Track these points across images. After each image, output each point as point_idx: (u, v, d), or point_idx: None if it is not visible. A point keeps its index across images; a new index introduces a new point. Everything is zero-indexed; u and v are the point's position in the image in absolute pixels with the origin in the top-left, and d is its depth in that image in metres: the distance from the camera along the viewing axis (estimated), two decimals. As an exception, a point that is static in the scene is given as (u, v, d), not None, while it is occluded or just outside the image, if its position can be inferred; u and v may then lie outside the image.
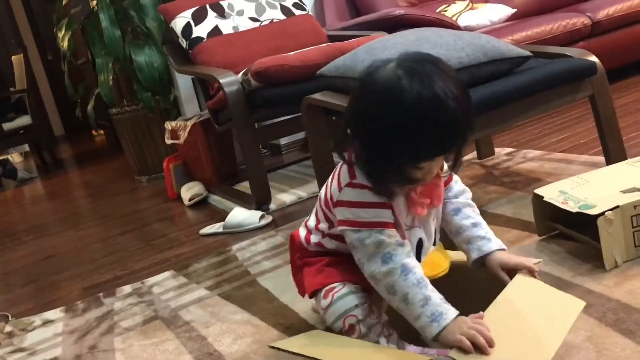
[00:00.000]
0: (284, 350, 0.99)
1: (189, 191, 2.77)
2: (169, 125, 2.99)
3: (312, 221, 1.16)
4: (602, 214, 1.27)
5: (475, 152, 2.38)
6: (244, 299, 1.58)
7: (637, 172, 1.44)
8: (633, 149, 2.02)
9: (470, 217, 1.11)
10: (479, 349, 0.85)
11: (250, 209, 2.29)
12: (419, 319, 0.91)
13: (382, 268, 0.95)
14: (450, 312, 0.91)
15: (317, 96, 1.88)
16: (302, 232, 1.18)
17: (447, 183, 1.12)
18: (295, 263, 1.20)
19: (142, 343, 1.45)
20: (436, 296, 0.93)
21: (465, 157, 2.42)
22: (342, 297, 1.02)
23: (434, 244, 1.11)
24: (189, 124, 2.83)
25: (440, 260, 1.09)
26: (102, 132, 5.95)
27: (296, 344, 1.02)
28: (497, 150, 2.39)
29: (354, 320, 1.00)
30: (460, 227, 1.08)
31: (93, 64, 4.20)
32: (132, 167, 3.67)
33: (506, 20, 3.20)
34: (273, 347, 1.00)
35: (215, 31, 2.67)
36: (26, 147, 5.59)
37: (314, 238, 1.14)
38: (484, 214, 1.74)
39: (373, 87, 0.91)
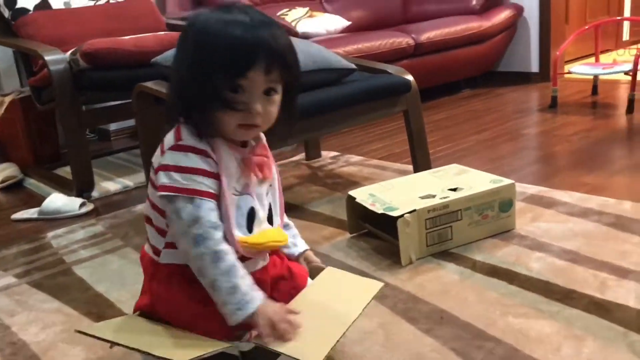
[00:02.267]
0: (89, 335, 0.98)
1: (1, 173, 2.56)
2: (-18, 99, 2.73)
3: (151, 234, 1.03)
4: (402, 215, 1.43)
5: (304, 154, 2.51)
6: (56, 287, 1.52)
7: (435, 181, 1.64)
8: (438, 160, 2.27)
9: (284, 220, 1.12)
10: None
11: (70, 195, 2.19)
12: (224, 306, 0.92)
13: (194, 250, 0.91)
14: (255, 299, 0.93)
15: (150, 84, 1.86)
16: (148, 249, 1.05)
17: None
18: (147, 288, 1.04)
19: None
20: (245, 283, 0.93)
21: (294, 158, 2.54)
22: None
23: (271, 224, 1.05)
24: (7, 100, 2.62)
25: (280, 233, 1.07)
26: None
27: (102, 329, 1.00)
28: (323, 153, 2.54)
29: None
30: None
31: None
32: None
33: (341, 32, 3.40)
34: (79, 332, 0.98)
35: (44, 4, 2.51)
36: None
37: (160, 244, 1.00)
38: (305, 211, 1.88)
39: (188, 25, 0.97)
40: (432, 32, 3.36)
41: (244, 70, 0.91)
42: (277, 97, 0.97)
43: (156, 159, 0.97)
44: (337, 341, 0.93)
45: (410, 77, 1.98)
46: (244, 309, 0.91)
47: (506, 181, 1.57)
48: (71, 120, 2.19)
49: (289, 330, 0.93)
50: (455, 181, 1.61)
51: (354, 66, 1.90)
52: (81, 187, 2.25)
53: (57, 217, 2.06)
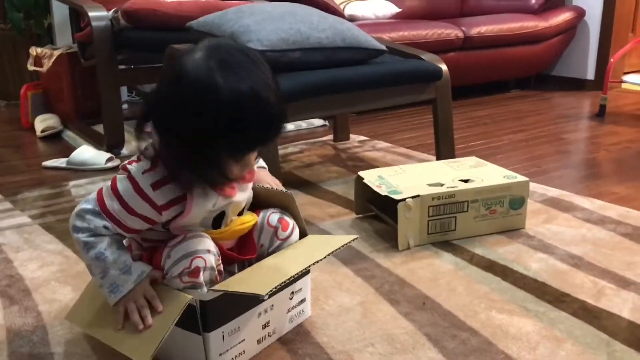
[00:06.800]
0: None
1: (43, 122, 2.66)
2: (34, 50, 2.84)
3: None
4: (404, 200, 1.40)
5: (332, 135, 2.50)
6: (64, 231, 1.57)
7: (449, 170, 1.60)
8: (468, 155, 2.20)
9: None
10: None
11: (100, 149, 2.25)
12: (101, 287, 0.96)
13: (74, 234, 0.95)
14: (127, 283, 0.94)
15: (180, 47, 1.88)
16: None
17: None
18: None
19: (-58, 258, 1.41)
20: (116, 266, 0.94)
21: (322, 138, 2.53)
22: (195, 237, 0.95)
23: (241, 214, 1.06)
24: (56, 53, 2.71)
25: (247, 217, 1.07)
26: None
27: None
28: (352, 136, 2.52)
29: (202, 263, 0.93)
30: None
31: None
32: (-9, 89, 3.45)
33: (390, 18, 3.35)
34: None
35: (98, -37, 2.58)
36: None
37: None
38: (318, 189, 1.88)
39: (185, 81, 0.85)
40: (483, 27, 3.28)
41: (259, 146, 0.92)
42: None
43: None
44: (291, 278, 0.93)
45: (443, 66, 1.93)
46: (115, 292, 0.95)
47: (520, 178, 1.52)
48: (107, 77, 2.25)
49: (138, 323, 0.94)
50: (469, 173, 1.57)
51: (384, 47, 1.87)
52: (111, 142, 2.31)
53: (83, 169, 2.13)
